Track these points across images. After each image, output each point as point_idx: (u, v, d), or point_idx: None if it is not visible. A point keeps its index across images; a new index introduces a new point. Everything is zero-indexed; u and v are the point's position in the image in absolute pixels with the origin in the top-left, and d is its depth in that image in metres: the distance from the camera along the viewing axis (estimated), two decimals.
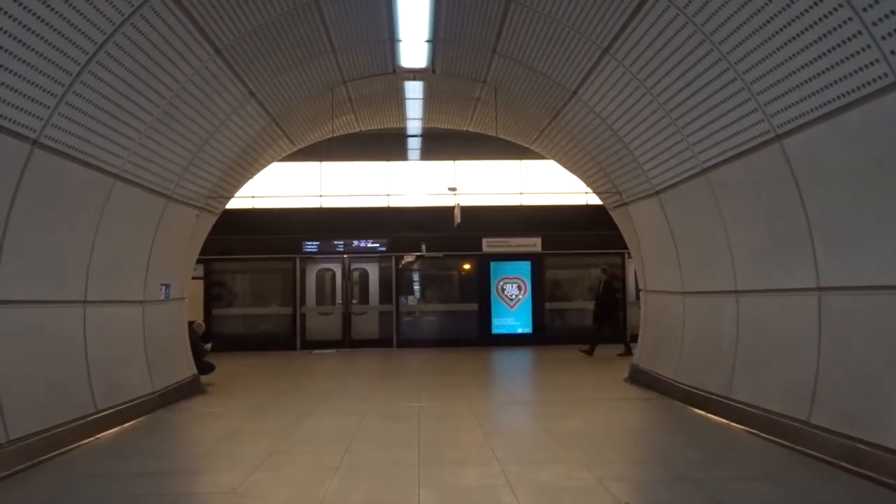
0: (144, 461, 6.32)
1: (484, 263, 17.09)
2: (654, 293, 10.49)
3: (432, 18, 8.36)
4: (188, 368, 10.21)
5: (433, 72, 10.22)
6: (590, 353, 14.30)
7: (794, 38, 5.32)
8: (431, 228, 16.66)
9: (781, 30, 5.37)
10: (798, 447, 6.02)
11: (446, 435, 7.16)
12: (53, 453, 6.23)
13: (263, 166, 11.90)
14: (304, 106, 10.48)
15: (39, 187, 6.02)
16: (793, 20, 5.21)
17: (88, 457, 6.43)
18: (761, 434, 6.65)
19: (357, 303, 17.07)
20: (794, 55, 5.42)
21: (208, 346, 11.76)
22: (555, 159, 12.46)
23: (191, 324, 11.01)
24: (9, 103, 5.29)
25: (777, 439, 6.37)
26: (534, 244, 17.05)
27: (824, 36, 5.03)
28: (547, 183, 17.57)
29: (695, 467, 5.69)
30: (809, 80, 5.40)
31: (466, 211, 13.94)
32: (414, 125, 15.15)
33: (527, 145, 12.65)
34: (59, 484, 5.49)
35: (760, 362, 7.08)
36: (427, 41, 9.07)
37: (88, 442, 6.86)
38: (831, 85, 5.22)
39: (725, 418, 7.44)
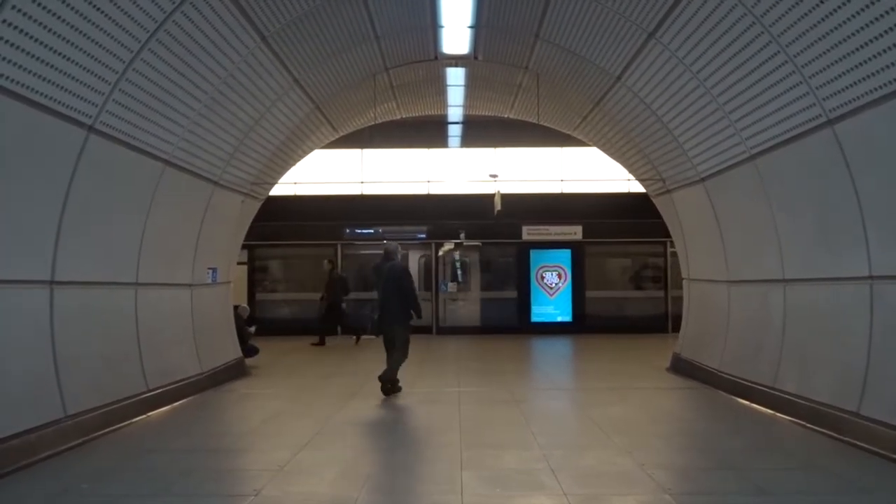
0: (194, 438, 6.53)
1: (524, 251, 17.05)
2: (697, 282, 10.35)
3: (475, 3, 8.34)
4: (234, 351, 10.45)
5: (475, 58, 10.20)
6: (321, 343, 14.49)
7: (847, 20, 5.17)
8: (471, 216, 16.67)
9: (834, 11, 5.23)
10: (846, 438, 5.90)
11: (487, 419, 7.21)
12: (108, 429, 6.47)
13: (306, 153, 12.06)
14: (346, 93, 10.58)
15: (94, 172, 6.21)
16: (846, 1, 5.07)
17: (141, 433, 6.66)
18: (808, 425, 6.54)
19: None
20: (847, 37, 5.27)
21: (252, 329, 12.01)
22: (597, 146, 12.35)
23: (236, 308, 11.25)
24: (66, 90, 5.46)
25: (824, 430, 6.26)
26: (574, 232, 16.94)
27: (880, 17, 4.88)
28: (588, 170, 17.38)
29: (739, 456, 5.64)
30: (864, 62, 5.25)
31: (507, 198, 13.91)
32: (455, 112, 15.13)
33: (569, 132, 12.56)
34: (114, 457, 5.70)
35: (808, 352, 6.95)
36: (470, 27, 9.05)
37: (140, 419, 7.09)
38: (886, 68, 5.07)
39: (771, 408, 7.33)
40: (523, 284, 17.00)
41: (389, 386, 8.37)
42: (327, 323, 14.84)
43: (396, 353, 8.47)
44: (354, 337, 14.75)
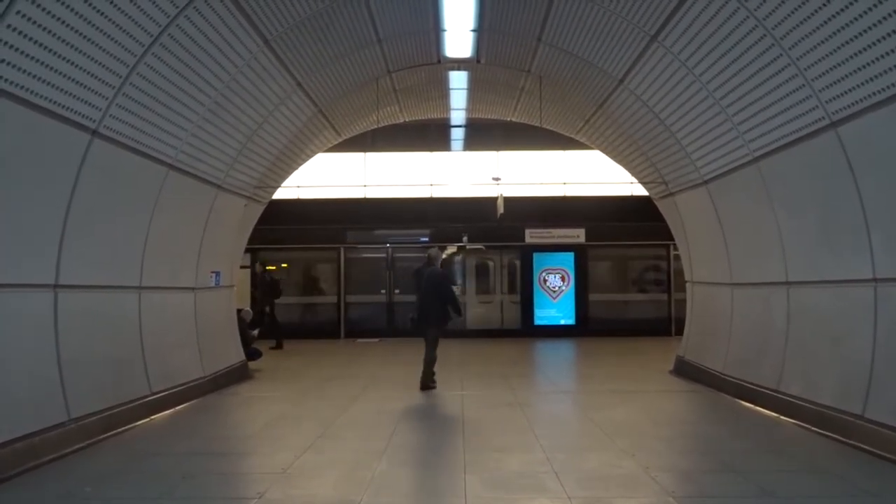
0: (197, 442, 6.53)
1: (527, 254, 17.04)
2: (700, 284, 10.33)
3: (478, 7, 8.36)
4: (237, 354, 10.46)
5: (478, 62, 10.21)
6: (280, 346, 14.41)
7: (851, 23, 5.18)
8: (474, 219, 16.69)
9: (838, 13, 5.23)
10: (851, 441, 5.89)
11: (490, 422, 7.20)
12: (111, 432, 6.48)
13: (309, 157, 12.07)
14: (349, 96, 10.59)
15: (98, 176, 6.22)
16: (849, 3, 5.07)
17: (145, 436, 6.66)
18: (812, 428, 6.52)
19: (400, 292, 17.21)
20: (850, 39, 5.27)
21: (255, 332, 12.01)
22: (600, 149, 12.35)
23: (239, 311, 11.25)
24: (71, 94, 5.48)
25: (829, 433, 6.24)
26: (577, 235, 16.92)
27: (883, 19, 4.89)
28: (591, 173, 17.41)
29: (742, 459, 5.62)
30: (867, 64, 5.25)
31: (509, 202, 13.92)
32: (458, 115, 15.17)
33: (571, 135, 12.56)
34: (117, 461, 5.70)
35: (812, 355, 6.93)
36: (472, 30, 9.06)
37: (143, 422, 7.10)
38: (890, 70, 5.07)
39: (775, 412, 7.31)
40: (526, 287, 16.98)
41: (429, 384, 9.27)
42: (276, 326, 14.79)
43: (427, 356, 9.31)
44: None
